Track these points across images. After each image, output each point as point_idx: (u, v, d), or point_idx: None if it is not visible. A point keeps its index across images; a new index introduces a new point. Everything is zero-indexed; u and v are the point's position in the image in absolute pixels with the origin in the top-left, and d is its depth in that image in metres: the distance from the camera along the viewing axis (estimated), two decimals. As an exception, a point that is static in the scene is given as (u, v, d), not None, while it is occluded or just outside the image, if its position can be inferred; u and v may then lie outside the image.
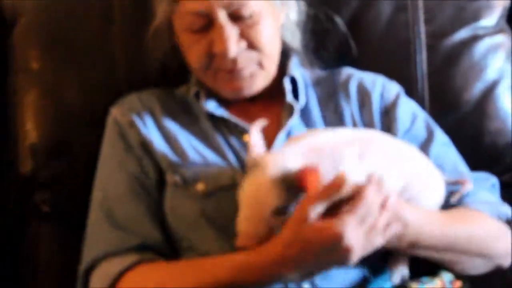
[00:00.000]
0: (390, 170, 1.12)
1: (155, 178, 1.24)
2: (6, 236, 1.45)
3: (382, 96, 1.31)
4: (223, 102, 1.30)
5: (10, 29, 1.46)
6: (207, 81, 1.27)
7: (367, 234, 1.02)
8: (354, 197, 1.01)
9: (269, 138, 1.20)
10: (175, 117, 1.29)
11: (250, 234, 1.06)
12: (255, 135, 1.12)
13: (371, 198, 1.02)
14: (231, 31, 1.20)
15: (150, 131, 1.27)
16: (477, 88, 1.45)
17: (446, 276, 1.18)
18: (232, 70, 1.23)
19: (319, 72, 1.38)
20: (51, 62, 1.44)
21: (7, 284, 1.44)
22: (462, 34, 1.46)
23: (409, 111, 1.32)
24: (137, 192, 1.23)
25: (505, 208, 1.24)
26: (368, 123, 1.28)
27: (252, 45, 1.22)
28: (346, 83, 1.33)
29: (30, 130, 1.42)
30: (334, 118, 1.29)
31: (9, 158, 1.44)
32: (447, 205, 1.21)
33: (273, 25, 1.25)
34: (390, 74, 1.38)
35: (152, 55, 1.37)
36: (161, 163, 1.24)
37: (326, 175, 1.04)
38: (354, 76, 1.35)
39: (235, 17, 1.20)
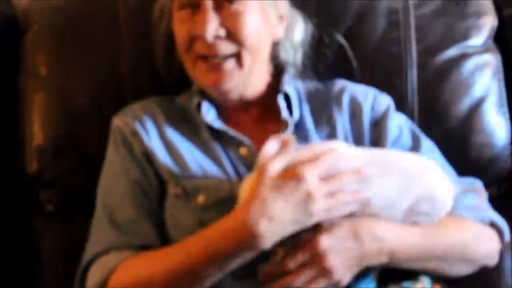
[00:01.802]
0: (402, 191, 1.15)
1: (157, 186, 1.26)
2: (11, 234, 1.45)
3: (372, 108, 1.34)
4: (222, 114, 1.32)
5: (22, 36, 1.48)
6: (188, 67, 1.29)
7: (333, 195, 1.08)
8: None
9: None
10: (176, 127, 1.31)
11: None
12: (269, 148, 1.13)
13: (333, 161, 1.08)
14: (212, 16, 1.22)
15: (152, 141, 1.28)
16: (465, 104, 1.47)
17: (426, 280, 1.19)
18: (207, 56, 1.24)
19: (313, 84, 1.40)
20: (58, 67, 1.46)
21: (11, 282, 1.44)
22: (452, 52, 1.49)
23: (397, 123, 1.34)
24: (138, 198, 1.25)
25: (489, 212, 1.27)
26: (358, 134, 1.31)
27: (231, 35, 1.23)
28: (339, 95, 1.35)
29: (37, 131, 1.44)
30: (327, 130, 1.31)
31: (16, 158, 1.45)
32: None
33: (260, 23, 1.26)
34: (382, 87, 1.41)
35: (156, 50, 1.39)
36: (163, 174, 1.26)
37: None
38: (347, 88, 1.36)
39: (220, 4, 1.23)
